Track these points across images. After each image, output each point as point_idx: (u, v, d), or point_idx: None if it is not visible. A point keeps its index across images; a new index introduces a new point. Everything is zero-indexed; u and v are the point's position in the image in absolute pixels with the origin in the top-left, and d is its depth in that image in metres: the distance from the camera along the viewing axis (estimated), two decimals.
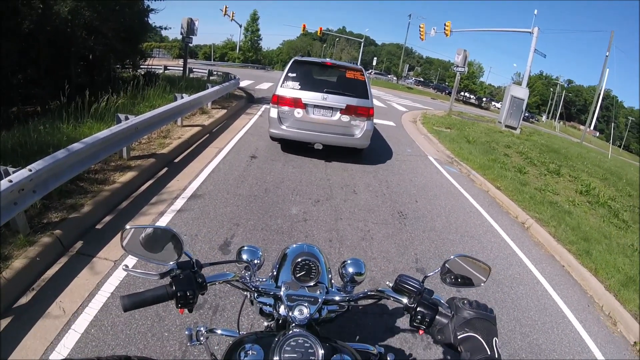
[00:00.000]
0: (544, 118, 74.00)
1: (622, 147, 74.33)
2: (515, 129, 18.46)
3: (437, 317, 1.09)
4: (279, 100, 6.91)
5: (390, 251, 4.36)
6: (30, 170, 3.45)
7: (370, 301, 1.27)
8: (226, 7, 46.30)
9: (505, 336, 3.42)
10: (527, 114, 53.42)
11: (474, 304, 1.06)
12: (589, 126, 40.68)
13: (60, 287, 3.07)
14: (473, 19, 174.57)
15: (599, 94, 36.86)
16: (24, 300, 2.92)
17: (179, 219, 4.34)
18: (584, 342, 3.77)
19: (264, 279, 1.32)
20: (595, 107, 37.48)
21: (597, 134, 76.88)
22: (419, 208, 5.88)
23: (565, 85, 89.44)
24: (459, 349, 1.00)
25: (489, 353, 0.95)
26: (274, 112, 6.95)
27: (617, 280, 4.96)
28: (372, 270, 3.89)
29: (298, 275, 1.21)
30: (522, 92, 18.98)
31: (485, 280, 1.21)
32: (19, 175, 3.33)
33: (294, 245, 1.37)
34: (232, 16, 48.74)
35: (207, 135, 8.37)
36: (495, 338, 0.99)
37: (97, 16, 9.58)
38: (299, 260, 1.22)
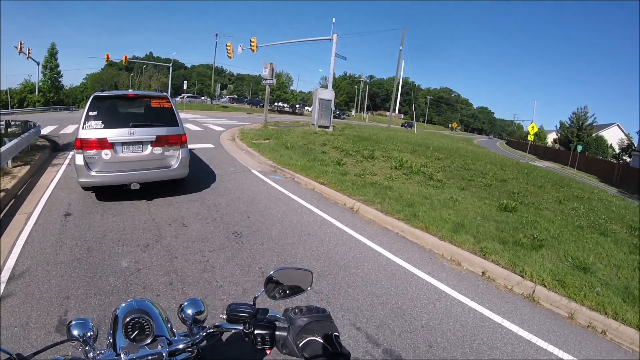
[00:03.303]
0: (353, 113, 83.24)
1: (425, 121, 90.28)
2: (328, 127, 20.34)
3: (276, 332, 1.10)
4: (82, 144, 6.14)
5: (235, 274, 4.27)
6: None
7: (216, 338, 1.24)
8: (21, 44, 39.67)
9: (367, 311, 3.69)
10: (337, 112, 59.53)
11: (305, 310, 1.09)
12: (394, 111, 47.90)
13: None
14: (278, 33, 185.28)
15: (398, 83, 43.47)
16: None
17: (2, 311, 3.50)
18: (439, 289, 4.32)
19: (104, 350, 1.19)
20: (397, 94, 44.21)
21: (403, 116, 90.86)
22: (253, 223, 5.92)
23: (368, 80, 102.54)
24: (304, 356, 1.01)
25: (331, 350, 0.98)
26: (79, 159, 6.14)
27: (447, 229, 5.87)
28: (221, 299, 3.75)
29: (132, 336, 1.13)
30: (329, 94, 20.94)
31: (311, 282, 1.26)
32: None
33: (123, 304, 1.26)
34: (29, 53, 41.96)
35: (12, 200, 6.90)
36: (334, 333, 1.03)
37: None
38: (128, 320, 1.14)
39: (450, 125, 71.69)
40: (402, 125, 57.07)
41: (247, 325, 1.15)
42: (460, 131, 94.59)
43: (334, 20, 24.46)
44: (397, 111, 73.55)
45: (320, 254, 4.93)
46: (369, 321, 3.58)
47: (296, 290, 1.27)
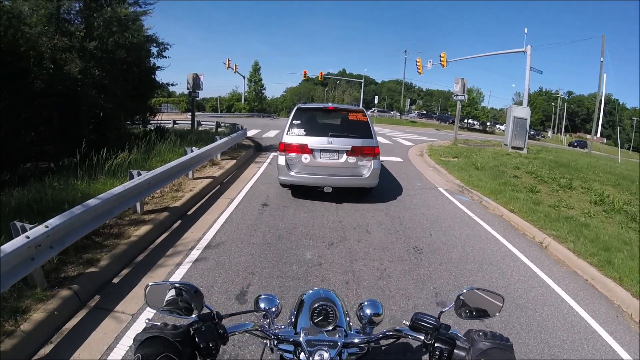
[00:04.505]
0: (549, 133, 73.94)
1: (631, 149, 73.25)
2: (522, 149, 18.43)
3: (455, 350, 1.11)
4: (285, 148, 7.14)
5: (409, 288, 4.31)
6: (46, 227, 3.55)
7: (389, 341, 1.28)
8: (229, 60, 48.42)
9: None
10: (532, 132, 53.43)
11: (489, 335, 1.08)
12: (595, 134, 40.63)
13: (78, 341, 3.11)
14: (467, 47, 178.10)
15: (600, 101, 36.92)
16: (42, 352, 2.96)
17: (194, 271, 4.40)
18: (618, 354, 3.65)
19: (283, 327, 1.33)
20: (599, 114, 37.47)
21: (605, 140, 76.21)
22: (434, 241, 5.86)
23: (566, 97, 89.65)
24: None
25: None
26: (281, 160, 7.16)
27: None
28: (391, 309, 3.85)
29: (316, 320, 1.23)
30: (524, 112, 19.08)
31: (499, 309, 1.24)
32: (36, 231, 3.42)
33: (310, 291, 1.38)
34: (235, 68, 50.88)
35: (218, 186, 8.56)
36: None
37: (107, 75, 10.06)
38: (316, 305, 1.24)
39: None
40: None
41: (428, 337, 1.17)
42: None
43: (526, 30, 22.08)
44: (599, 134, 61.66)
45: (498, 287, 4.55)
46: None
47: (482, 313, 1.24)
